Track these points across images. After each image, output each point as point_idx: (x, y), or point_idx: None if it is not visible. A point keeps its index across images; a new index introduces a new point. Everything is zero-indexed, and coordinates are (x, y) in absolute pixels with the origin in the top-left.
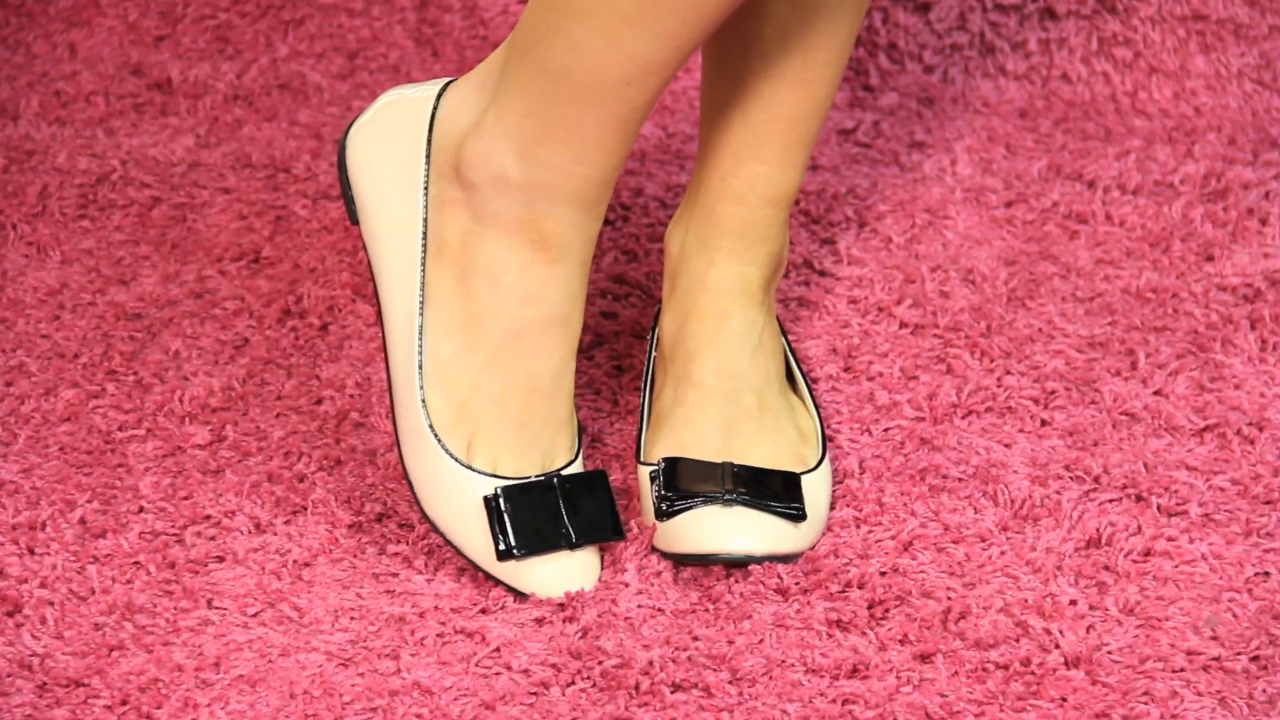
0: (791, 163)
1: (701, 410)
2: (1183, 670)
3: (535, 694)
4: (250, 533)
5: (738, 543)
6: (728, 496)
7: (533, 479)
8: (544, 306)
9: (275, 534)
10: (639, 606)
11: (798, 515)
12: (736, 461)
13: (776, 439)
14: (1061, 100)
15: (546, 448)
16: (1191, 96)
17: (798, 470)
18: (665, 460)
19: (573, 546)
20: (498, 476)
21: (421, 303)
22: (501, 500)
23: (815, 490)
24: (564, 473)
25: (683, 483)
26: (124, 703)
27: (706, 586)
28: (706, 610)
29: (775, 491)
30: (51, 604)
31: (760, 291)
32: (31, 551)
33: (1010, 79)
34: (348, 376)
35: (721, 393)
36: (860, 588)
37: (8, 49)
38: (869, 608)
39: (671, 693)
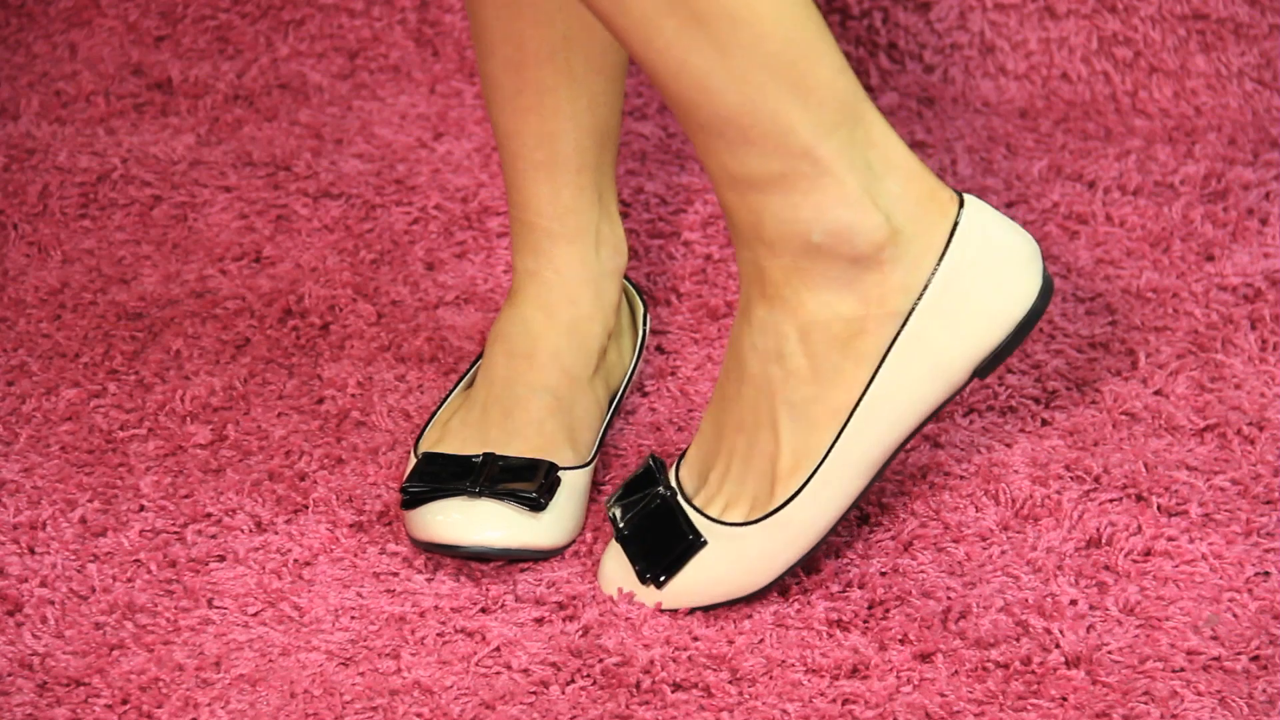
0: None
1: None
2: (1183, 670)
3: (535, 692)
4: (251, 531)
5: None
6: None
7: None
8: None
9: (276, 533)
10: (639, 606)
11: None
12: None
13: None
14: (1061, 100)
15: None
16: (1192, 96)
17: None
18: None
19: (473, 494)
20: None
21: None
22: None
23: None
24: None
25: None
26: (124, 702)
27: None
28: (706, 610)
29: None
30: (52, 603)
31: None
32: (32, 551)
33: (1010, 79)
34: (349, 375)
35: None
36: (861, 587)
37: (8, 49)
38: (869, 607)
39: (672, 692)
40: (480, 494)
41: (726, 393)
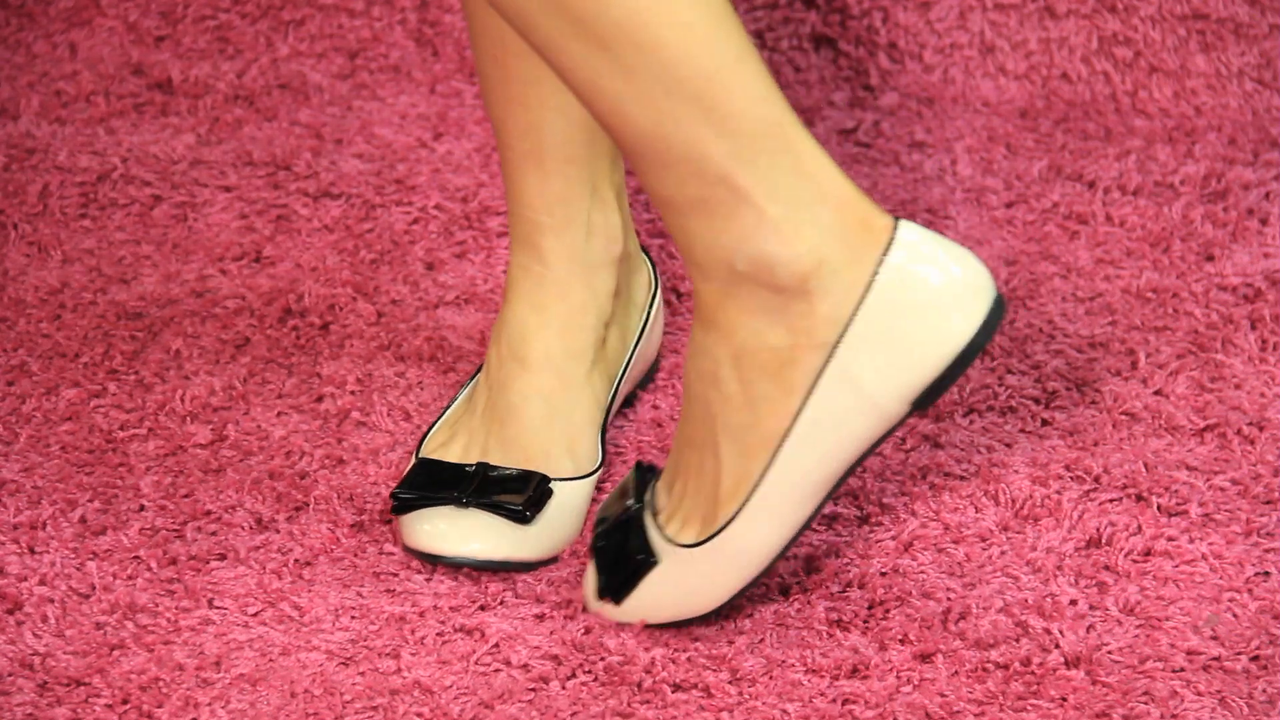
0: None
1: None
2: (1183, 670)
3: (535, 689)
4: (251, 530)
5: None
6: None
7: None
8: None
9: (277, 531)
10: None
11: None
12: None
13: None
14: (1061, 100)
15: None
16: (1192, 96)
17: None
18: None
19: (461, 504)
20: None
21: None
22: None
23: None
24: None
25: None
26: (125, 702)
27: None
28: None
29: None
30: (52, 601)
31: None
32: (32, 550)
33: (1010, 79)
34: (349, 374)
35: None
36: (861, 588)
37: (8, 49)
38: (869, 608)
39: (672, 692)
40: (468, 504)
41: (683, 410)
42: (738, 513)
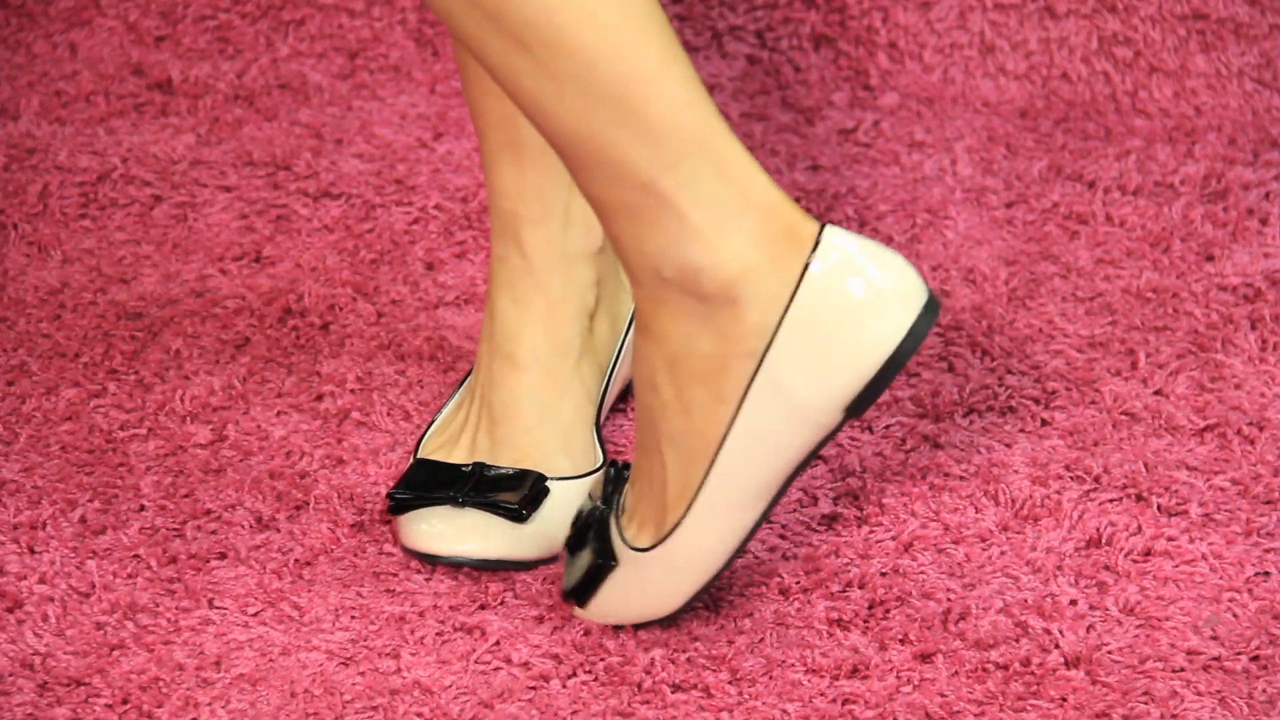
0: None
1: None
2: (1183, 670)
3: (535, 688)
4: (251, 528)
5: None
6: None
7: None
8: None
9: (278, 531)
10: None
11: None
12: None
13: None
14: (1061, 100)
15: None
16: (1192, 96)
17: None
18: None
19: (458, 504)
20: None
21: None
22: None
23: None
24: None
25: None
26: (125, 702)
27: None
28: (707, 607)
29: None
30: (52, 600)
31: None
32: (32, 550)
33: (1010, 79)
34: (349, 374)
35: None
36: (861, 588)
37: (8, 49)
38: (869, 607)
39: (672, 692)
40: (464, 504)
41: (636, 414)
42: (682, 519)
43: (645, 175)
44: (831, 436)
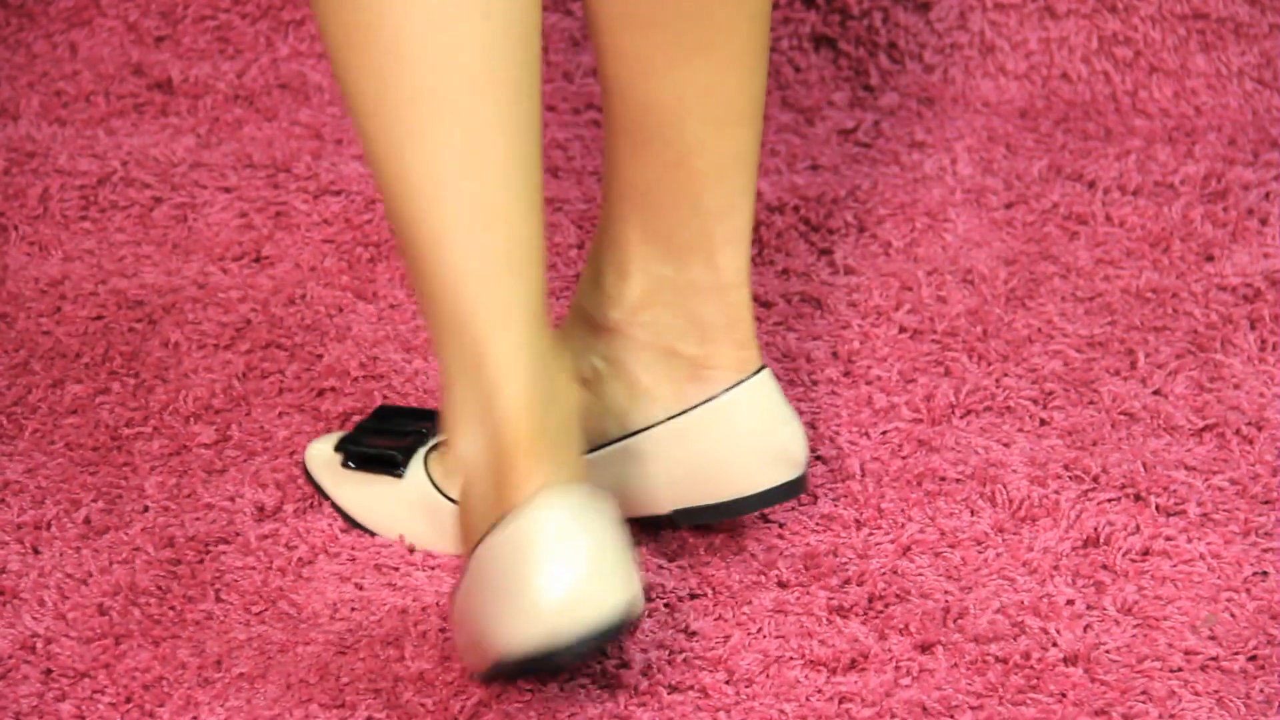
0: None
1: None
2: (1180, 670)
3: (533, 690)
4: (255, 521)
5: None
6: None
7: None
8: None
9: (285, 524)
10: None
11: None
12: None
13: None
14: (1061, 100)
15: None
16: (1192, 96)
17: None
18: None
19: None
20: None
21: None
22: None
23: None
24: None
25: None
26: (128, 700)
27: (706, 575)
28: (705, 596)
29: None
30: (51, 593)
31: None
32: (36, 550)
33: (1010, 79)
34: (349, 373)
35: None
36: (860, 584)
37: (8, 49)
38: (869, 600)
39: (669, 694)
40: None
41: None
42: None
43: (436, 339)
44: None
